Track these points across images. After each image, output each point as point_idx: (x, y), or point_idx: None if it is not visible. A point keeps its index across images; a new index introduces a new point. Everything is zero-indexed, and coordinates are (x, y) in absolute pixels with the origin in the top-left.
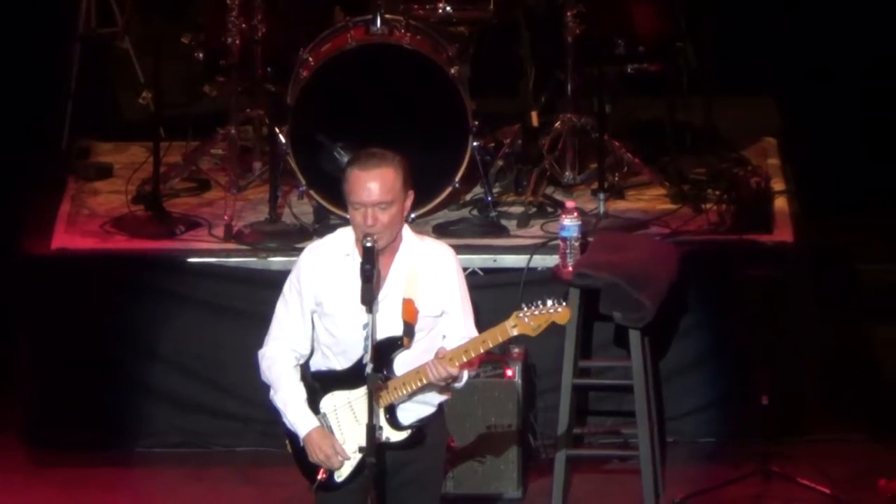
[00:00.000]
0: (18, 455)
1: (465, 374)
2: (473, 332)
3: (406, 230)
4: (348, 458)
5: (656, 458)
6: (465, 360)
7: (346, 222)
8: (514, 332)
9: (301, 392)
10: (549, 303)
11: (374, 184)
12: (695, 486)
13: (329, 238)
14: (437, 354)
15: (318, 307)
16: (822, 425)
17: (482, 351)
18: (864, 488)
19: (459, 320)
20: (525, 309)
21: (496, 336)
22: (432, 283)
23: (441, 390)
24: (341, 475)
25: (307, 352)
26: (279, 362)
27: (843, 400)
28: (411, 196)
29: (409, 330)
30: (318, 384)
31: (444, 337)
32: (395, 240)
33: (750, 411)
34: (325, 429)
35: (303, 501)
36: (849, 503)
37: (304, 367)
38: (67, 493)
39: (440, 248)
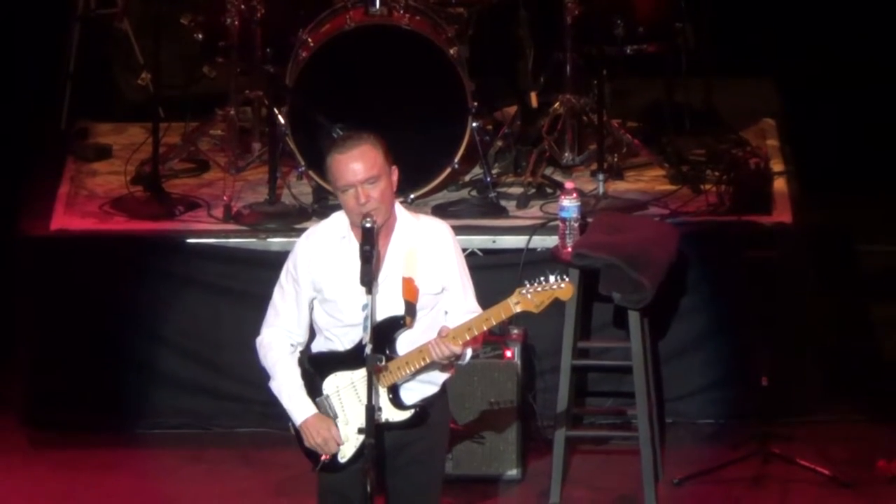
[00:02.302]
0: (18, 436)
1: (469, 352)
2: (475, 306)
3: (400, 209)
4: (342, 444)
5: (655, 439)
6: (468, 337)
7: None
8: (518, 309)
9: (296, 378)
10: (552, 279)
11: (356, 163)
12: (694, 467)
13: (323, 223)
14: (439, 333)
15: (318, 294)
16: (821, 406)
17: (485, 328)
18: (864, 469)
19: (460, 295)
20: (528, 286)
21: (499, 313)
22: (431, 259)
23: (444, 368)
24: (345, 456)
25: (303, 339)
26: (274, 349)
27: (843, 381)
28: (396, 172)
29: (411, 309)
30: (321, 365)
31: (445, 313)
32: (391, 219)
33: (749, 392)
34: (326, 410)
35: (303, 482)
36: (848, 484)
37: (306, 350)
38: (67, 474)
39: (436, 224)
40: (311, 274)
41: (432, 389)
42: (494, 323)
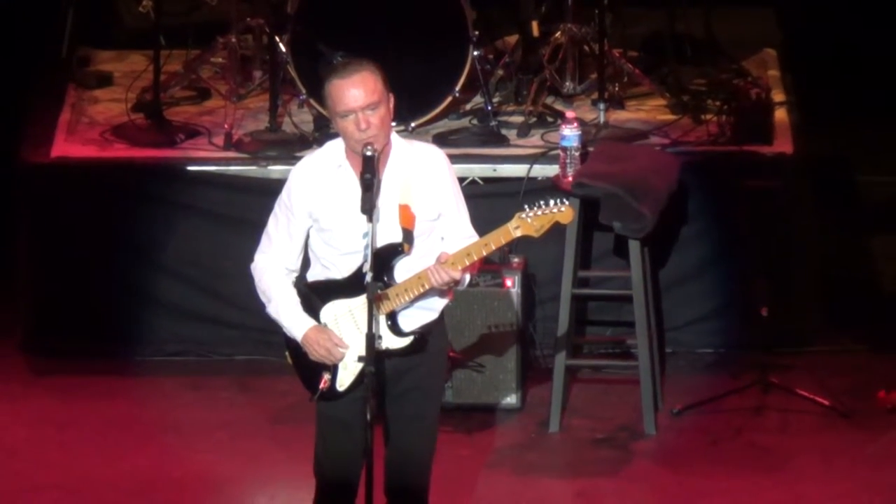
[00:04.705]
0: (17, 363)
1: (467, 277)
2: (471, 231)
3: (394, 136)
4: (347, 348)
5: (655, 368)
6: (467, 263)
7: None
8: (518, 234)
9: (294, 298)
10: (552, 202)
11: (356, 89)
12: (694, 397)
13: (318, 152)
14: (438, 259)
15: (314, 223)
16: (821, 337)
17: (485, 253)
18: (863, 400)
19: (456, 220)
20: (527, 210)
21: (499, 238)
22: (426, 186)
23: (442, 294)
24: (343, 384)
25: (295, 268)
26: (268, 272)
27: (843, 311)
28: (392, 99)
29: (409, 236)
30: (318, 294)
31: (442, 238)
32: (386, 146)
33: (749, 322)
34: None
35: (301, 410)
36: (847, 414)
37: (302, 279)
38: (65, 400)
39: (430, 149)
40: (307, 203)
41: (431, 316)
42: (494, 248)
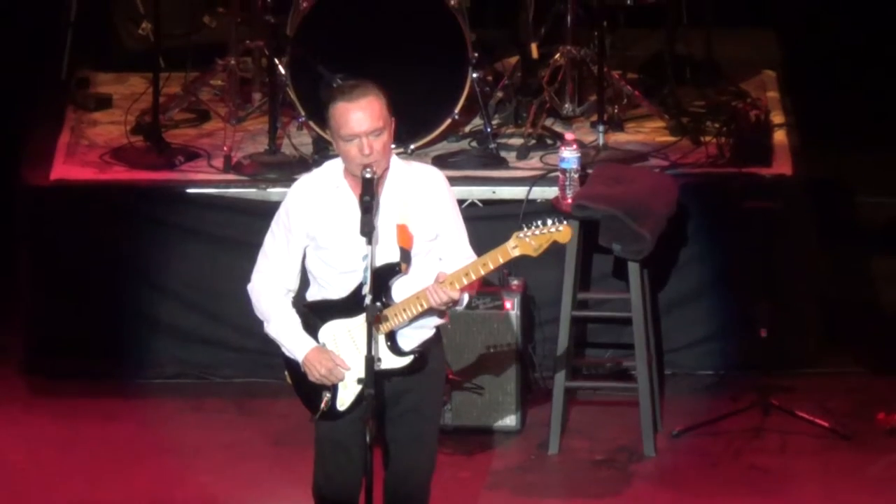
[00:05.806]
0: (17, 384)
1: (465, 297)
2: (469, 252)
3: (392, 157)
4: (349, 369)
5: (655, 390)
6: (465, 282)
7: None
8: (516, 253)
9: (294, 318)
10: (550, 222)
11: (362, 113)
12: (693, 419)
13: (316, 172)
14: (437, 279)
15: (311, 241)
16: (821, 358)
17: (483, 273)
18: (863, 421)
19: (454, 241)
20: (525, 229)
21: (497, 258)
22: (425, 206)
23: (440, 314)
24: (343, 403)
25: (294, 286)
26: (267, 292)
27: (842, 333)
28: (394, 123)
29: (406, 256)
30: (316, 314)
31: (440, 259)
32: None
33: (749, 344)
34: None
35: (301, 432)
36: (847, 436)
37: (300, 298)
38: (67, 422)
39: (428, 170)
40: (306, 223)
41: (428, 333)
42: (492, 267)
